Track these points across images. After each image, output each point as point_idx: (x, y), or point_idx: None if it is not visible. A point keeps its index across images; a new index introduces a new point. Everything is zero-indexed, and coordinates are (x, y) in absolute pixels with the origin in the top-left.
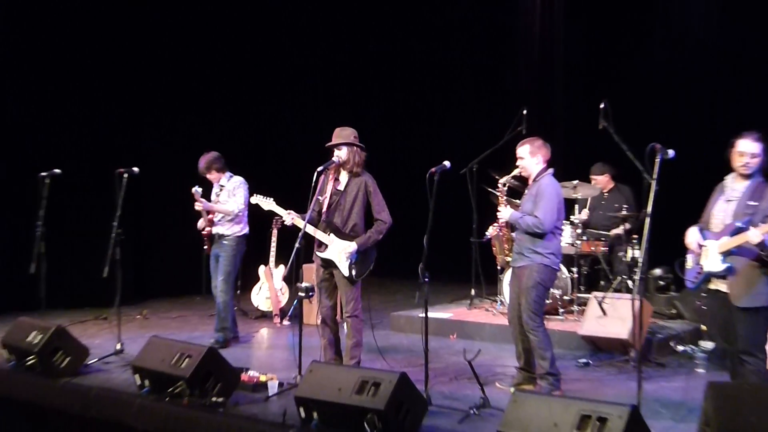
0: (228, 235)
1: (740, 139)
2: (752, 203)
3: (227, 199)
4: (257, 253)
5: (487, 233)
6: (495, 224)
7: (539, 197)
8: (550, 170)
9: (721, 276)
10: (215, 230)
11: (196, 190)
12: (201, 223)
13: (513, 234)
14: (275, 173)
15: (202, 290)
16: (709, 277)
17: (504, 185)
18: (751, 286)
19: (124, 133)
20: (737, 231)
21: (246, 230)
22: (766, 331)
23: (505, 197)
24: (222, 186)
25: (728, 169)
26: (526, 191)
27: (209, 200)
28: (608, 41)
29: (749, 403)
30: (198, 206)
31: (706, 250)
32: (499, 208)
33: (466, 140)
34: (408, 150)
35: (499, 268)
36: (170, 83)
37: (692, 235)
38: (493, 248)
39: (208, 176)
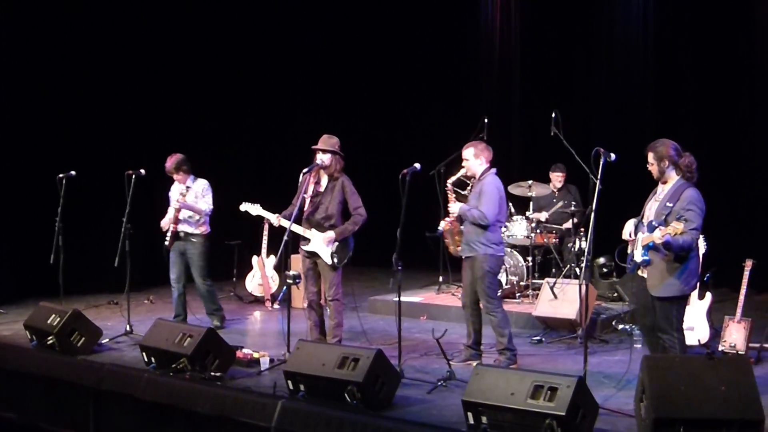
0: (197, 234)
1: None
2: (669, 204)
3: (195, 200)
4: (251, 245)
5: (439, 228)
6: (446, 219)
7: (482, 194)
8: (493, 169)
9: (644, 266)
10: (181, 228)
11: (182, 192)
12: (166, 222)
13: (462, 227)
14: (260, 175)
15: None
16: (637, 266)
17: (452, 184)
18: (665, 277)
19: (133, 139)
20: (654, 229)
21: (209, 230)
22: (679, 316)
23: (454, 194)
24: (188, 187)
25: None
26: (471, 189)
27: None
28: (559, 58)
29: (679, 373)
30: (176, 205)
31: (636, 242)
32: (449, 205)
33: (435, 145)
34: (383, 153)
35: (446, 246)
36: (170, 97)
37: (627, 227)
38: (446, 240)
39: (176, 176)
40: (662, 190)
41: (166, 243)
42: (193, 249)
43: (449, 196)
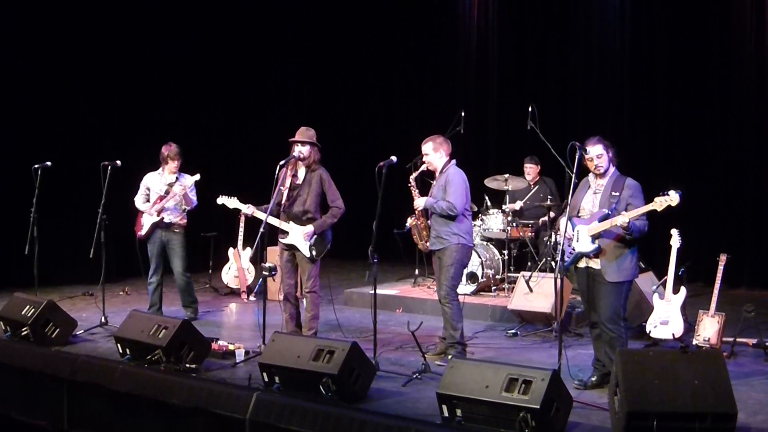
0: (180, 225)
1: (586, 147)
2: (615, 194)
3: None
4: (227, 237)
5: (406, 224)
6: (413, 215)
7: (449, 185)
8: (453, 161)
9: (592, 255)
10: (168, 218)
11: (170, 183)
12: (149, 217)
13: (429, 222)
14: (237, 168)
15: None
16: (581, 256)
17: (414, 179)
18: (619, 262)
19: (109, 130)
20: (605, 217)
21: (187, 222)
22: (625, 304)
23: (417, 190)
24: (177, 178)
25: (634, 164)
26: (434, 182)
27: (156, 189)
28: (536, 54)
29: (652, 367)
30: (180, 189)
31: (577, 234)
32: (414, 200)
33: (412, 138)
34: (360, 146)
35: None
36: (146, 89)
37: (563, 224)
38: (414, 237)
39: (173, 163)
40: (598, 183)
41: (143, 232)
42: (176, 239)
43: (413, 192)
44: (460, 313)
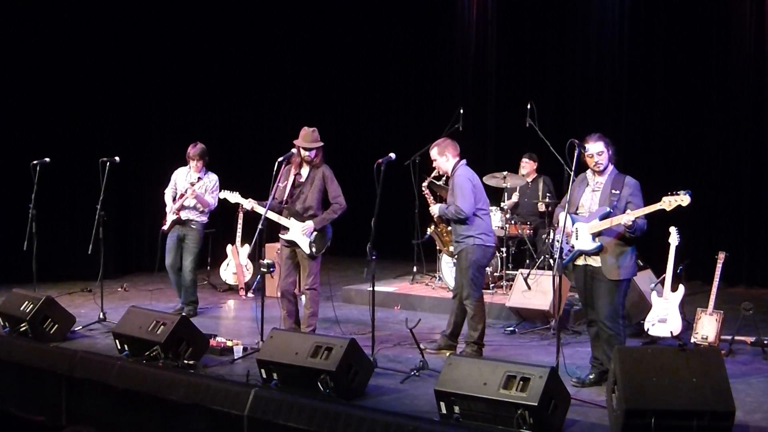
0: (198, 221)
1: (586, 144)
2: (615, 192)
3: (203, 193)
4: (225, 233)
5: (427, 232)
6: (433, 223)
7: (455, 188)
8: (463, 161)
9: (593, 253)
10: (185, 215)
11: (192, 182)
12: (172, 213)
13: (449, 227)
14: (239, 163)
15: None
16: (580, 254)
17: (427, 186)
18: (620, 260)
19: (108, 126)
20: (606, 215)
21: (207, 221)
22: (624, 301)
23: (432, 197)
24: (200, 178)
25: (632, 162)
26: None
27: (181, 185)
28: (535, 50)
29: (650, 365)
30: (191, 193)
31: (577, 232)
32: (430, 207)
33: (411, 135)
34: (358, 143)
35: (438, 249)
36: (147, 82)
37: (562, 220)
38: (437, 244)
39: (196, 163)
40: (597, 181)
41: (165, 227)
42: (192, 235)
43: (427, 199)
44: (483, 314)
